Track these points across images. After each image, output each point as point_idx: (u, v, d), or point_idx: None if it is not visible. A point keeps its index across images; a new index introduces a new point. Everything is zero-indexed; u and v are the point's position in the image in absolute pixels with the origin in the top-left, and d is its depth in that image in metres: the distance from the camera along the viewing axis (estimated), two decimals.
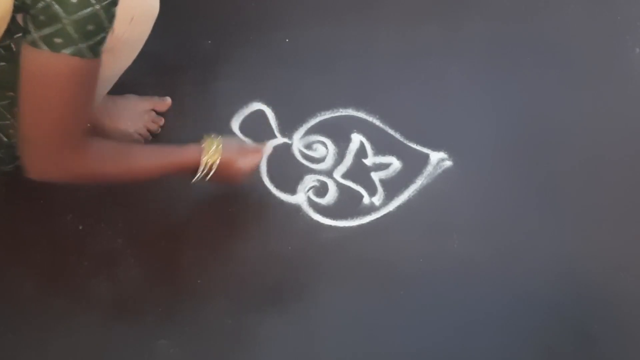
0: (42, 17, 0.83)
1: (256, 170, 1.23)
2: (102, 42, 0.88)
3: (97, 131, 1.23)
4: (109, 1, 0.85)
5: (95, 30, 0.86)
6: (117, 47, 0.96)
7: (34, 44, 0.85)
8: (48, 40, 0.84)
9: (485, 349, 1.16)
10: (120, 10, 0.89)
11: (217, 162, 1.11)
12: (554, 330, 1.17)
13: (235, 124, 1.31)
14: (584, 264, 1.22)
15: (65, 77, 0.87)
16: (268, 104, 1.32)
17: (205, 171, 1.11)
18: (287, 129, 1.31)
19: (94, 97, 0.96)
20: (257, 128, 1.30)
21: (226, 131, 1.30)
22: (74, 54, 0.85)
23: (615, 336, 1.17)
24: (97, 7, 0.85)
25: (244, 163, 1.17)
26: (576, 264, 1.22)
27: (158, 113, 1.30)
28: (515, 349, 1.16)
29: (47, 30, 0.84)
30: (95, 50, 0.88)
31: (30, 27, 0.85)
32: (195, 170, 1.11)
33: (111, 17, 0.87)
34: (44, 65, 0.86)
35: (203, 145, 1.11)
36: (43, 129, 0.91)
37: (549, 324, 1.17)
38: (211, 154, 1.11)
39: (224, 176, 1.15)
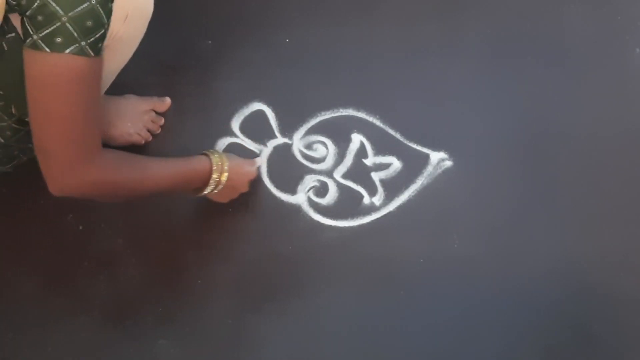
0: (40, 17, 0.83)
1: (253, 181, 1.23)
2: (102, 39, 0.88)
3: None
4: None
5: (94, 26, 0.86)
6: (112, 45, 0.95)
7: (34, 46, 0.84)
8: (48, 41, 0.84)
9: (485, 348, 1.16)
10: (114, 9, 0.89)
11: (226, 176, 1.13)
12: (554, 330, 1.17)
13: (235, 124, 1.31)
14: (584, 264, 1.22)
15: (69, 78, 0.87)
16: (268, 104, 1.32)
17: (215, 184, 1.13)
18: (287, 129, 1.31)
19: (100, 99, 0.95)
20: (257, 128, 1.30)
21: (226, 131, 1.30)
22: (76, 54, 0.85)
23: (615, 336, 1.17)
24: (93, 2, 0.85)
25: (244, 174, 1.20)
26: (576, 264, 1.22)
27: (158, 113, 1.30)
28: (515, 349, 1.16)
29: (46, 30, 0.84)
30: (95, 48, 0.87)
31: (30, 29, 0.84)
32: (201, 184, 1.12)
33: (108, 12, 0.87)
34: (47, 67, 0.86)
35: (212, 158, 1.12)
36: (56, 138, 0.90)
37: (549, 324, 1.18)
38: (220, 168, 1.13)
39: (228, 190, 1.17)
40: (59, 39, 0.84)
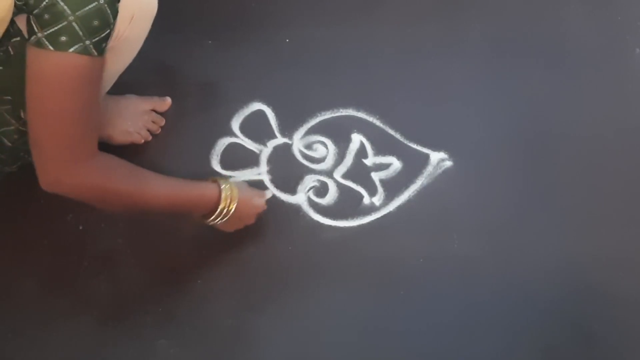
0: (46, 16, 0.83)
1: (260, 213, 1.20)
2: (106, 38, 0.88)
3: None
4: None
5: (100, 26, 0.86)
6: (117, 46, 0.96)
7: (38, 43, 0.84)
8: (53, 39, 0.84)
9: (485, 348, 1.16)
10: (120, 9, 0.89)
11: (234, 207, 1.09)
12: (554, 330, 1.17)
13: (235, 124, 1.31)
14: (584, 264, 1.22)
15: (71, 77, 0.87)
16: (268, 104, 1.32)
17: (222, 214, 1.09)
18: (287, 129, 1.31)
19: (99, 98, 0.95)
20: (257, 128, 1.30)
21: (226, 131, 1.30)
22: (80, 53, 0.85)
23: (615, 336, 1.17)
24: (101, 1, 0.85)
25: (253, 207, 1.16)
26: (576, 264, 1.22)
27: (158, 113, 1.30)
28: (515, 349, 1.16)
29: (52, 29, 0.84)
30: (99, 47, 0.87)
31: (35, 27, 0.84)
32: (207, 211, 1.08)
33: (115, 12, 0.88)
34: (50, 65, 0.86)
35: (222, 187, 1.08)
36: (53, 134, 0.89)
37: (549, 324, 1.18)
38: (229, 198, 1.08)
39: (235, 221, 1.13)
40: (63, 38, 0.84)
